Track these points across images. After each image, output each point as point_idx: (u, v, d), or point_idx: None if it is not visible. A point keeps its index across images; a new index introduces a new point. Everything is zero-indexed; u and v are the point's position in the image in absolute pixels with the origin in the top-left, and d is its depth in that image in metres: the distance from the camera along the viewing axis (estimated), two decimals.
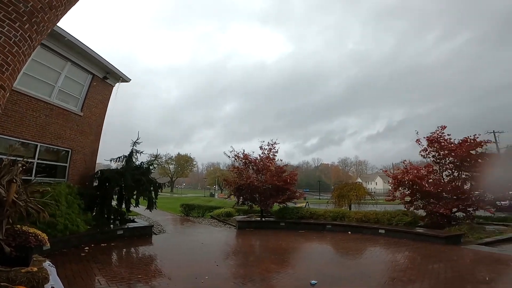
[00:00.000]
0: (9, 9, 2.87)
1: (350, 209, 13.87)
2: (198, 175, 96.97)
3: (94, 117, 10.62)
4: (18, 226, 3.50)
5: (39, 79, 8.35)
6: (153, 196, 10.44)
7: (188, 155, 74.78)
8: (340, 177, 73.98)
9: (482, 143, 10.02)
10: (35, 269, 3.15)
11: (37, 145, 8.27)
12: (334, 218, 11.47)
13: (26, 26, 3.05)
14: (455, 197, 9.78)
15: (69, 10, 3.69)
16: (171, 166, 72.69)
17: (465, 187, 10.09)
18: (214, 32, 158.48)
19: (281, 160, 13.68)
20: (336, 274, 5.55)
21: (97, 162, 11.39)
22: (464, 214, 10.16)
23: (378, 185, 74.31)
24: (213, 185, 71.95)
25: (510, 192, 11.29)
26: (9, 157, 3.79)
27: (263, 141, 13.42)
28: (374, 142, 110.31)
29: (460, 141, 10.32)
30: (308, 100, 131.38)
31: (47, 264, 3.49)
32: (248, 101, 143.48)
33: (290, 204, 12.92)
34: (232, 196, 13.90)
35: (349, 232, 10.23)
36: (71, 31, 10.17)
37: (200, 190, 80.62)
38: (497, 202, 10.28)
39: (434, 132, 10.83)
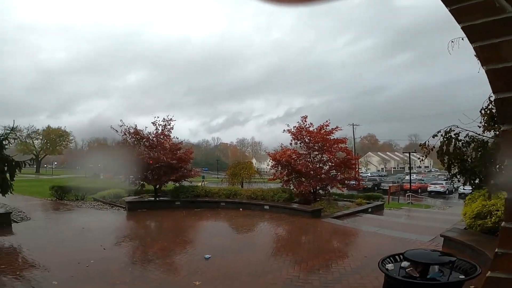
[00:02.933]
0: None
1: (242, 186, 15.01)
2: (77, 152, 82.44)
3: None
4: None
5: None
6: (8, 178, 8.42)
7: (63, 128, 62.19)
8: (237, 157, 77.93)
9: (333, 130, 12.24)
10: None
11: None
12: (227, 196, 12.11)
13: None
14: (318, 177, 11.81)
15: None
16: (36, 142, 58.78)
17: (326, 167, 12.25)
18: None
19: (177, 138, 13.29)
20: (228, 248, 6.14)
21: None
22: (324, 191, 12.33)
23: (269, 164, 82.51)
24: (98, 163, 62.88)
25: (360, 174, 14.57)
26: None
27: (157, 117, 12.54)
28: (273, 125, 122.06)
29: (317, 128, 12.30)
30: (223, 80, 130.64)
31: None
32: (160, 74, 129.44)
33: (185, 183, 12.81)
34: (122, 176, 12.74)
35: (241, 209, 11.05)
36: None
37: (80, 170, 69.14)
38: (347, 181, 12.61)
39: (299, 123, 12.48)
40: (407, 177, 31.98)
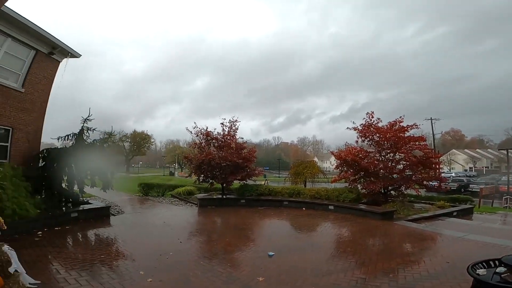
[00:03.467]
0: None
1: (305, 186, 14.80)
2: (156, 153, 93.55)
3: (37, 93, 9.70)
4: None
5: None
6: (109, 176, 10.08)
7: (145, 132, 71.36)
8: (298, 156, 77.28)
9: (408, 128, 11.10)
10: None
11: None
12: (290, 195, 12.17)
13: None
14: (390, 176, 10.87)
15: None
16: (126, 144, 68.92)
17: (398, 167, 11.12)
18: (195, 2, 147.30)
19: (242, 138, 13.86)
20: (291, 246, 6.19)
21: (41, 141, 10.58)
22: (397, 192, 11.23)
23: (333, 163, 79.02)
24: (173, 163, 70.36)
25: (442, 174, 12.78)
26: None
27: (224, 119, 13.47)
28: (336, 122, 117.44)
29: (388, 125, 11.29)
30: (282, 79, 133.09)
31: (6, 248, 3.43)
32: (222, 77, 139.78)
33: (250, 182, 13.29)
34: (193, 174, 13.94)
35: (304, 208, 10.99)
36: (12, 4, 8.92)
37: (159, 168, 78.21)
38: (425, 182, 11.19)
39: (365, 120, 11.64)
40: (504, 178, 26.83)
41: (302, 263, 5.01)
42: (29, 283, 3.63)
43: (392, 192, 11.37)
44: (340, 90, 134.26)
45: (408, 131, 11.18)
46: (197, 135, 13.35)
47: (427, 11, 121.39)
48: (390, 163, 11.17)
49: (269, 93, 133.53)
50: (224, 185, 13.09)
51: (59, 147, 10.08)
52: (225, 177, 12.61)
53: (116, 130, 61.92)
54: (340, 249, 6.18)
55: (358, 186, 11.55)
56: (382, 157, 11.40)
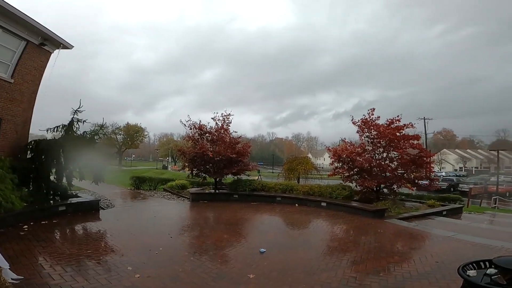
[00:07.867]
0: None
1: (298, 182, 14.81)
2: (149, 146, 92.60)
3: (27, 84, 9.44)
4: None
5: None
6: (100, 169, 9.87)
7: (139, 124, 70.54)
8: (293, 152, 77.60)
9: (404, 127, 11.22)
10: None
11: None
12: (283, 191, 12.19)
13: None
14: (383, 175, 10.98)
15: None
16: (119, 137, 68.02)
17: (392, 165, 11.24)
18: None
19: (236, 132, 13.65)
20: (283, 243, 6.17)
21: (30, 132, 10.33)
22: (389, 190, 11.39)
23: (326, 160, 79.71)
24: (166, 156, 69.85)
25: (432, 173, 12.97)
26: None
27: (216, 113, 13.29)
28: (338, 119, 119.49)
29: (387, 122, 11.40)
30: (296, 74, 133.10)
31: None
32: (234, 70, 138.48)
33: (243, 177, 13.25)
34: (187, 168, 13.78)
35: (296, 205, 11.01)
36: None
37: (152, 162, 77.54)
38: (417, 181, 11.28)
39: (365, 116, 11.78)
40: (493, 178, 27.40)
41: (293, 260, 4.99)
42: (12, 278, 3.49)
43: (384, 190, 11.49)
44: (351, 88, 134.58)
45: (403, 130, 11.27)
46: (191, 129, 13.16)
47: (458, 12, 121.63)
48: (384, 161, 11.23)
49: (279, 88, 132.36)
50: (217, 179, 13.00)
51: (48, 138, 9.80)
52: (218, 171, 12.49)
53: (109, 122, 61.32)
54: (332, 247, 6.18)
55: (352, 183, 11.67)
56: (377, 155, 11.46)
